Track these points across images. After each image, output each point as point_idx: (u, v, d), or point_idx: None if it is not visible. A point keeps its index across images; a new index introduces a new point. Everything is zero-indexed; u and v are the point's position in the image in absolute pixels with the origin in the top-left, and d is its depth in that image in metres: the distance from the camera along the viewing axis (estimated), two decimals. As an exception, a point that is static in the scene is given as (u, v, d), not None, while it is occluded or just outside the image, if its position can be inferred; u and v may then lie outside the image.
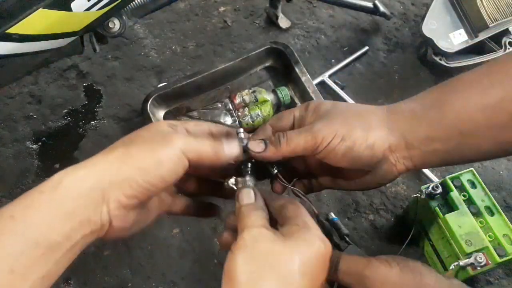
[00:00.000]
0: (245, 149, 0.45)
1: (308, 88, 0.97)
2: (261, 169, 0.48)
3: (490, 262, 0.73)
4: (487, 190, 0.79)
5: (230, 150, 0.44)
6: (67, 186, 0.37)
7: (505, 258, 0.73)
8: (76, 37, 0.70)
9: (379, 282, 0.39)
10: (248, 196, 0.43)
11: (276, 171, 0.48)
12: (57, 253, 0.35)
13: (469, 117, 0.41)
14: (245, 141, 0.46)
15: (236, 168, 0.47)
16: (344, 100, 1.04)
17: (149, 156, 0.39)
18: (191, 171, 0.42)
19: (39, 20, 0.60)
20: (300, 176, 0.53)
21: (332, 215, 0.88)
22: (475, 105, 0.41)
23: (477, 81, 0.43)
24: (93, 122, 1.05)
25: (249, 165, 0.46)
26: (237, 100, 0.96)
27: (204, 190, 0.52)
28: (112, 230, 0.39)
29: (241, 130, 0.46)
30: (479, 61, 1.04)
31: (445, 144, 0.43)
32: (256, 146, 0.45)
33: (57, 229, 0.35)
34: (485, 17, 0.99)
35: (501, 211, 0.77)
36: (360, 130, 0.43)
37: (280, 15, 1.17)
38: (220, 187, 0.50)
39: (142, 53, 1.15)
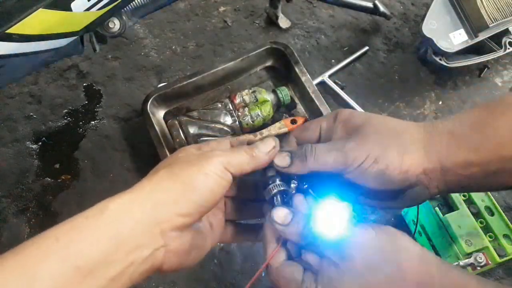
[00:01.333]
0: (270, 164, 0.44)
1: (308, 88, 0.97)
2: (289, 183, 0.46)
3: (490, 262, 0.73)
4: (487, 190, 0.79)
5: (266, 148, 0.43)
6: (113, 210, 0.35)
7: (505, 258, 0.73)
8: (76, 37, 0.70)
9: (354, 244, 0.38)
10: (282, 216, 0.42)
11: (306, 185, 0.46)
12: (100, 279, 0.33)
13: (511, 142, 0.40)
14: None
15: (264, 185, 0.46)
16: (344, 100, 1.04)
17: (194, 171, 0.38)
18: (229, 192, 0.42)
19: (39, 20, 0.60)
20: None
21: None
22: None
23: None
24: (93, 122, 1.05)
25: (277, 180, 0.45)
26: (237, 100, 0.96)
27: (245, 214, 0.51)
28: (170, 255, 0.38)
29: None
30: (479, 61, 1.04)
31: (484, 169, 0.41)
32: (281, 160, 0.43)
33: (100, 254, 0.33)
34: (485, 17, 0.99)
35: (501, 211, 0.77)
36: (395, 152, 0.41)
37: (280, 15, 1.17)
38: (256, 208, 0.49)
39: (142, 53, 1.15)
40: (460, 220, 0.76)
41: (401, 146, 0.42)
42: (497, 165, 0.41)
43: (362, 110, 1.02)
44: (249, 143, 0.46)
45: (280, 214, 0.42)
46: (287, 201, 0.45)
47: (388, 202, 0.46)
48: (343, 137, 0.44)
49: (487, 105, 0.44)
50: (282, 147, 0.46)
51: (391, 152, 0.41)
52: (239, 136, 0.48)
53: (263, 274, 0.44)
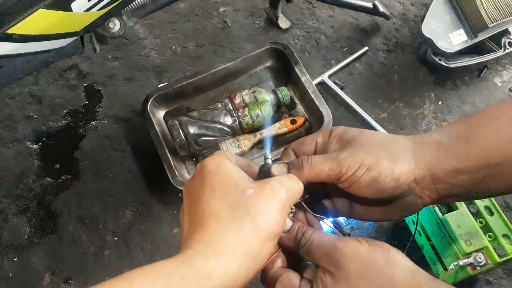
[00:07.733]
0: (269, 174, 0.44)
1: (308, 88, 0.98)
2: None
3: (489, 262, 0.73)
4: (487, 190, 0.79)
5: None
6: None
7: (504, 258, 0.73)
8: (76, 37, 0.70)
9: (349, 255, 0.39)
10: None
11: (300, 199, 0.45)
12: None
13: (497, 149, 0.42)
14: (269, 166, 0.45)
15: None
16: (343, 100, 1.04)
17: None
18: None
19: (40, 21, 0.60)
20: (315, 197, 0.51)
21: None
22: (503, 137, 0.42)
23: (502, 115, 0.44)
24: (93, 122, 1.06)
25: None
26: (237, 100, 0.96)
27: None
28: None
29: (269, 156, 0.46)
30: (478, 61, 1.04)
31: (472, 177, 0.43)
32: (279, 170, 0.44)
33: None
34: (485, 17, 0.99)
35: (500, 211, 0.78)
36: (386, 160, 0.43)
37: (280, 16, 1.17)
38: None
39: (142, 53, 1.15)
40: (460, 220, 0.77)
41: (391, 155, 0.44)
42: (484, 172, 0.43)
43: (362, 110, 1.02)
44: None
45: None
46: None
47: (381, 213, 0.47)
48: (337, 150, 0.46)
49: (471, 117, 0.46)
50: (281, 159, 0.47)
51: (383, 160, 0.43)
52: None
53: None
